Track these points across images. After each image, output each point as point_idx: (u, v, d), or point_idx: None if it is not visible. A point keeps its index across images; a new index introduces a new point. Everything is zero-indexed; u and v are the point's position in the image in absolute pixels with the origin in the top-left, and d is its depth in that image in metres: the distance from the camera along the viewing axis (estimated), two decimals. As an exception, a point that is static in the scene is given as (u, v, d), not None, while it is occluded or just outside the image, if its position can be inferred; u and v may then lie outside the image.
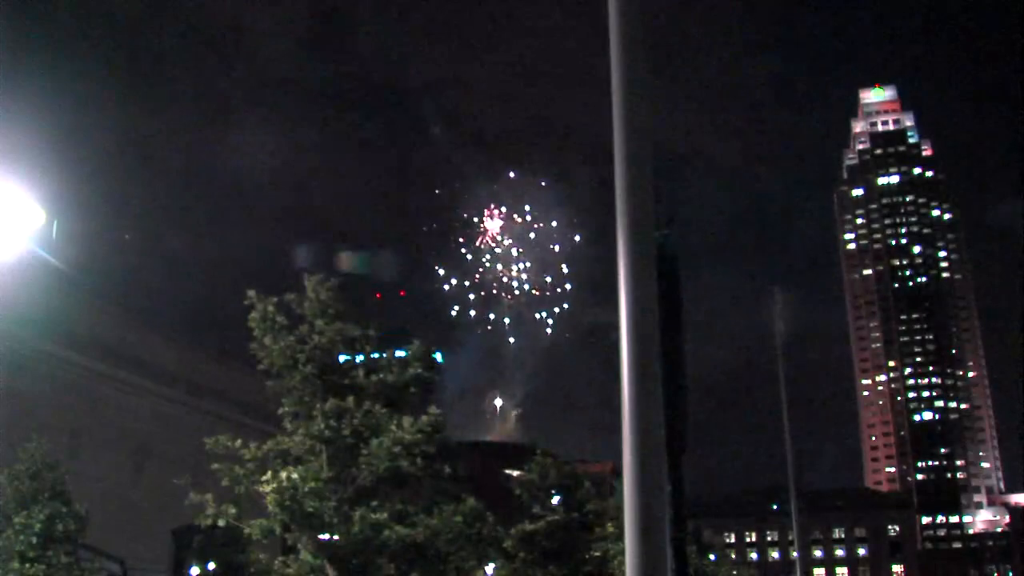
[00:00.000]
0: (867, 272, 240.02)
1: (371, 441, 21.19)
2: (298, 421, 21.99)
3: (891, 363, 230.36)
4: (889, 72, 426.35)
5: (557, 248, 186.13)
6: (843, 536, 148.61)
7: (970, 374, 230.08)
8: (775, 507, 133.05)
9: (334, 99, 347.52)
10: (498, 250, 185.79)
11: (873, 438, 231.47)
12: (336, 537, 21.03)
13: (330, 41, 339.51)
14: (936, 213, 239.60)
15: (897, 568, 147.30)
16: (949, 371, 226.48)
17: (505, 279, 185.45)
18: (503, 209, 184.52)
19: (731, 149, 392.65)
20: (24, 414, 30.21)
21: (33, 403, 32.44)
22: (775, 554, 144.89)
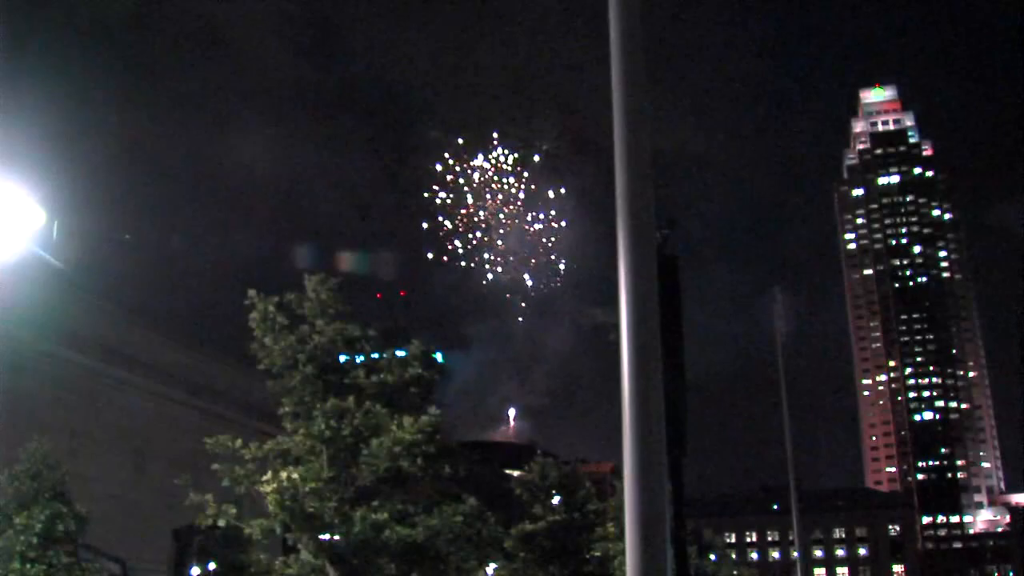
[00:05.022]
0: (867, 272, 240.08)
1: (371, 441, 21.20)
2: (298, 421, 22.00)
3: (891, 363, 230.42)
4: (889, 72, 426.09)
5: (559, 247, 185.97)
6: (843, 536, 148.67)
7: (970, 374, 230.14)
8: (775, 507, 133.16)
9: (332, 100, 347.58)
10: (501, 250, 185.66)
11: (873, 438, 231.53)
12: (336, 537, 21.04)
13: (326, 43, 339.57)
14: (936, 213, 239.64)
15: (898, 568, 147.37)
16: (949, 371, 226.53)
17: (508, 279, 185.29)
18: (506, 209, 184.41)
19: (731, 149, 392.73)
20: (24, 414, 30.19)
21: (33, 403, 32.43)
22: (775, 554, 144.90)
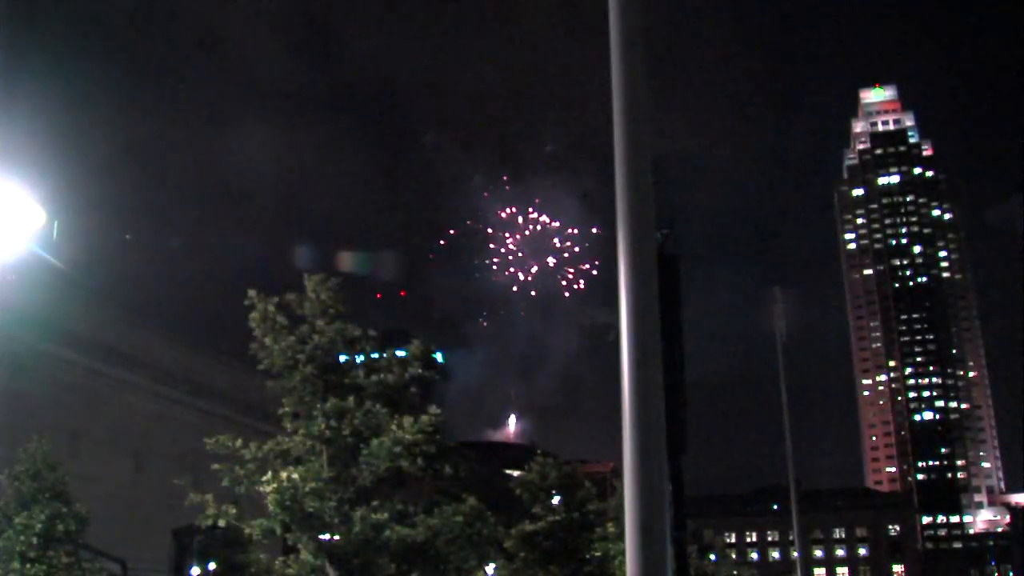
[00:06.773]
0: (867, 272, 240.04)
1: (371, 441, 21.18)
2: (298, 421, 21.98)
3: (891, 363, 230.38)
4: (889, 72, 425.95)
5: (559, 247, 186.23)
6: (843, 536, 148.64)
7: (970, 374, 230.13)
8: (775, 507, 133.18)
9: (330, 100, 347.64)
10: (502, 251, 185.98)
11: (873, 438, 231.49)
12: (336, 537, 21.02)
13: (325, 44, 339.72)
14: (936, 213, 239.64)
15: (898, 568, 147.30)
16: (949, 371, 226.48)
17: (508, 279, 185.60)
18: (507, 210, 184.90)
19: (731, 149, 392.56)
20: (24, 414, 30.21)
21: (33, 403, 32.45)
22: (775, 554, 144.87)
